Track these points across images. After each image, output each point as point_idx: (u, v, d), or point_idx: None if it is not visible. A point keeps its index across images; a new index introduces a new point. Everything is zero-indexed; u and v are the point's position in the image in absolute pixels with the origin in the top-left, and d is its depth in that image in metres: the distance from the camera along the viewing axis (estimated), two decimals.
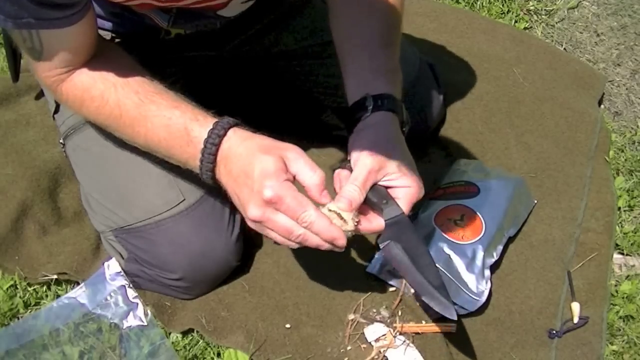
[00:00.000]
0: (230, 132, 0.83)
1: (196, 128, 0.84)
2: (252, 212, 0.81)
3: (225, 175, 0.84)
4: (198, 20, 1.03)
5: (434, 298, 0.88)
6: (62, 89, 0.92)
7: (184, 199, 1.01)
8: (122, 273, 1.06)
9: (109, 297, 1.05)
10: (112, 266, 1.06)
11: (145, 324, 1.03)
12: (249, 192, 0.81)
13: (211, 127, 0.83)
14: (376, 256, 1.14)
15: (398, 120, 0.91)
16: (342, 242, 0.82)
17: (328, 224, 0.81)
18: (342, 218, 0.82)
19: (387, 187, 0.89)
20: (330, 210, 0.83)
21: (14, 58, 1.14)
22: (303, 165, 0.81)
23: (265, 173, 0.79)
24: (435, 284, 0.89)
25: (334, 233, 0.81)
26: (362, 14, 0.97)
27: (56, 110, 1.11)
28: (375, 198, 0.87)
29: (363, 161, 0.86)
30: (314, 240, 0.82)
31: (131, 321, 1.04)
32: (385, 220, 0.87)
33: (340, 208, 0.83)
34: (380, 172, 0.87)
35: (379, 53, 0.95)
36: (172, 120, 0.85)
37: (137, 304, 1.04)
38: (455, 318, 0.89)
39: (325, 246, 0.82)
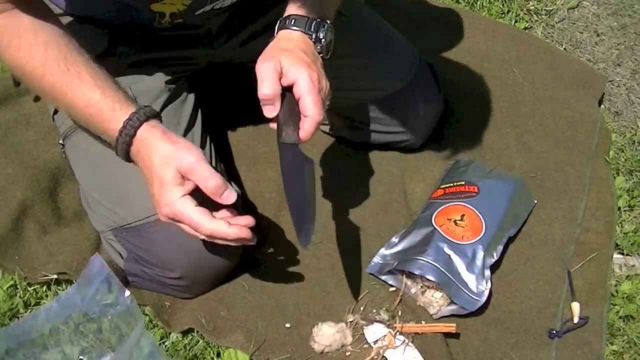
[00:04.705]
0: (140, 131, 0.88)
1: (113, 120, 0.88)
2: (160, 214, 0.89)
3: (139, 162, 0.90)
4: None
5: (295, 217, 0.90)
6: None
7: None
8: (107, 266, 1.02)
9: (106, 295, 1.04)
10: (98, 260, 1.03)
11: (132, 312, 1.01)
12: (155, 195, 0.88)
13: (122, 125, 0.88)
14: (375, 258, 1.14)
15: (300, 34, 0.94)
16: (250, 240, 0.89)
17: (227, 229, 0.86)
18: None
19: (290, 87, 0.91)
20: None
21: None
22: (199, 175, 0.86)
23: (163, 188, 0.86)
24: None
25: (239, 234, 0.87)
26: None
27: (56, 111, 1.11)
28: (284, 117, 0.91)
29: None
30: (221, 240, 0.89)
31: (128, 318, 1.03)
32: (282, 143, 0.91)
33: None
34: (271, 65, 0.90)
35: None
36: (91, 102, 0.89)
37: (128, 295, 1.02)
38: (304, 241, 0.89)
39: (234, 244, 0.90)
